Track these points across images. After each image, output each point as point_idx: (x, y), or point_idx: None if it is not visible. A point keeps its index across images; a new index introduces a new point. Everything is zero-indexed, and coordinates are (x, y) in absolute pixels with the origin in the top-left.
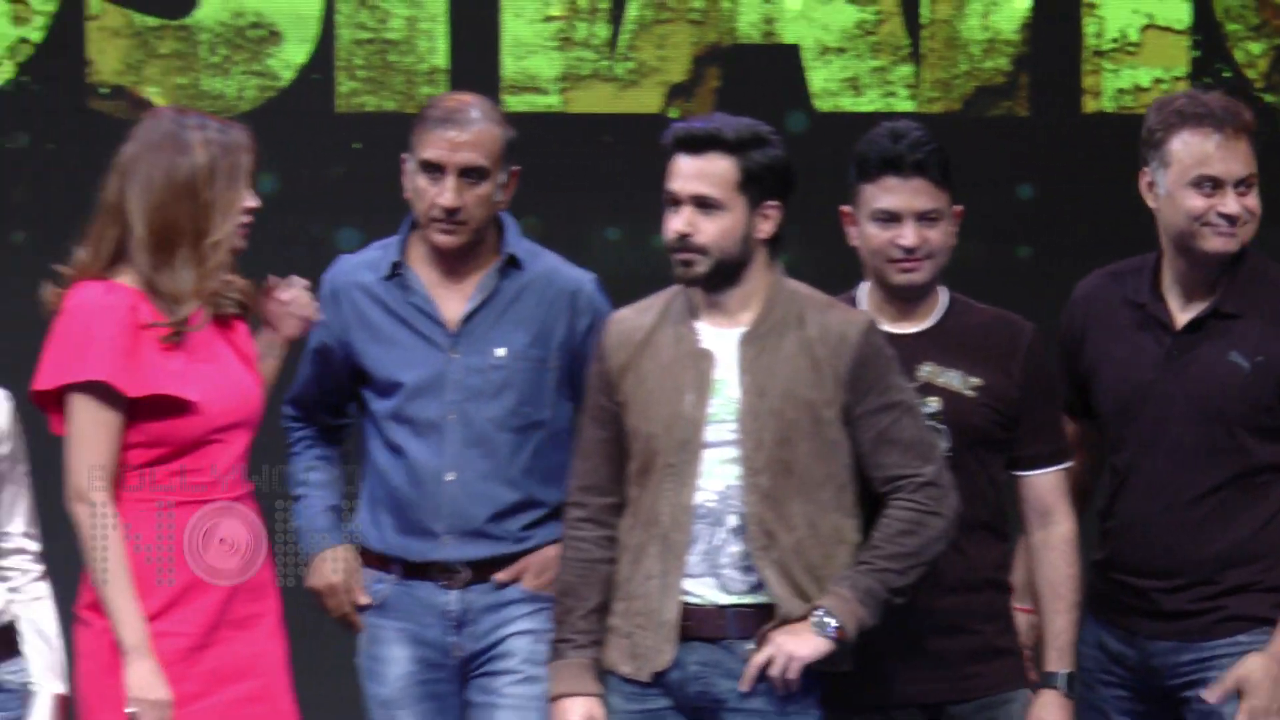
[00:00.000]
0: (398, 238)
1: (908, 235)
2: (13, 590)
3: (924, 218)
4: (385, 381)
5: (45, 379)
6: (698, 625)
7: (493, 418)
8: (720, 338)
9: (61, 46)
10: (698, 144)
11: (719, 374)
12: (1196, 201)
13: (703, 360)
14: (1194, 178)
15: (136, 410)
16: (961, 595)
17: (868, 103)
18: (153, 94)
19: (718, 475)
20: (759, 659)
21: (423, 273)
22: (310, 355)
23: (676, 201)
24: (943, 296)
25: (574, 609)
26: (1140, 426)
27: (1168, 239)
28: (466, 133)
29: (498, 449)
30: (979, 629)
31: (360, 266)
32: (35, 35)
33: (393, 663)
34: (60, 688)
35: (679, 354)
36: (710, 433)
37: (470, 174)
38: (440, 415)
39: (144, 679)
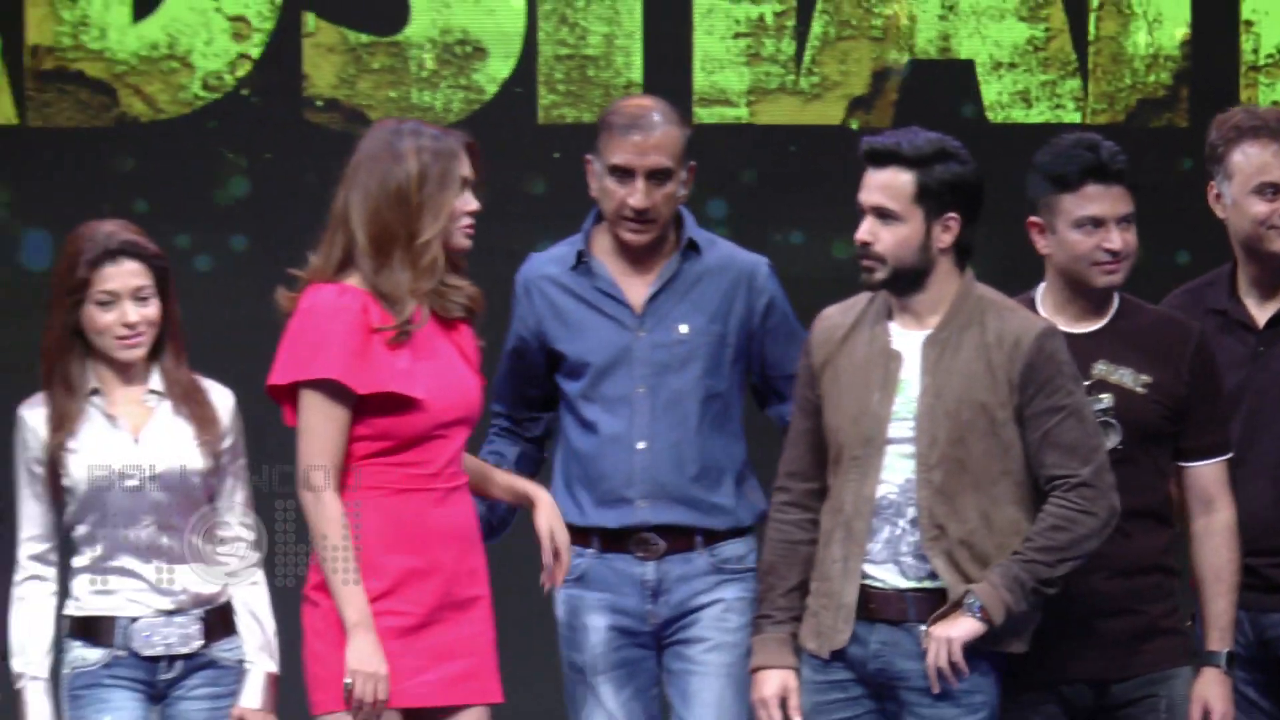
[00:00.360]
0: (581, 233)
1: (1114, 239)
2: (230, 575)
3: (1123, 221)
4: (576, 362)
5: (280, 374)
6: (880, 608)
7: (678, 389)
8: (908, 339)
9: (279, 62)
10: (879, 158)
11: (905, 374)
12: (1260, 207)
13: (891, 360)
14: (1256, 185)
15: (365, 406)
16: (1128, 579)
17: (1037, 114)
18: (365, 107)
19: (899, 469)
20: (929, 658)
21: (607, 262)
22: (508, 354)
23: (863, 211)
24: (1115, 298)
25: (775, 586)
26: (1239, 422)
27: (1238, 245)
28: (652, 137)
29: (683, 418)
30: (1144, 610)
31: (548, 261)
32: (255, 51)
33: (592, 631)
34: (271, 666)
35: (871, 353)
36: (893, 429)
37: (656, 175)
38: (629, 389)
39: (363, 652)
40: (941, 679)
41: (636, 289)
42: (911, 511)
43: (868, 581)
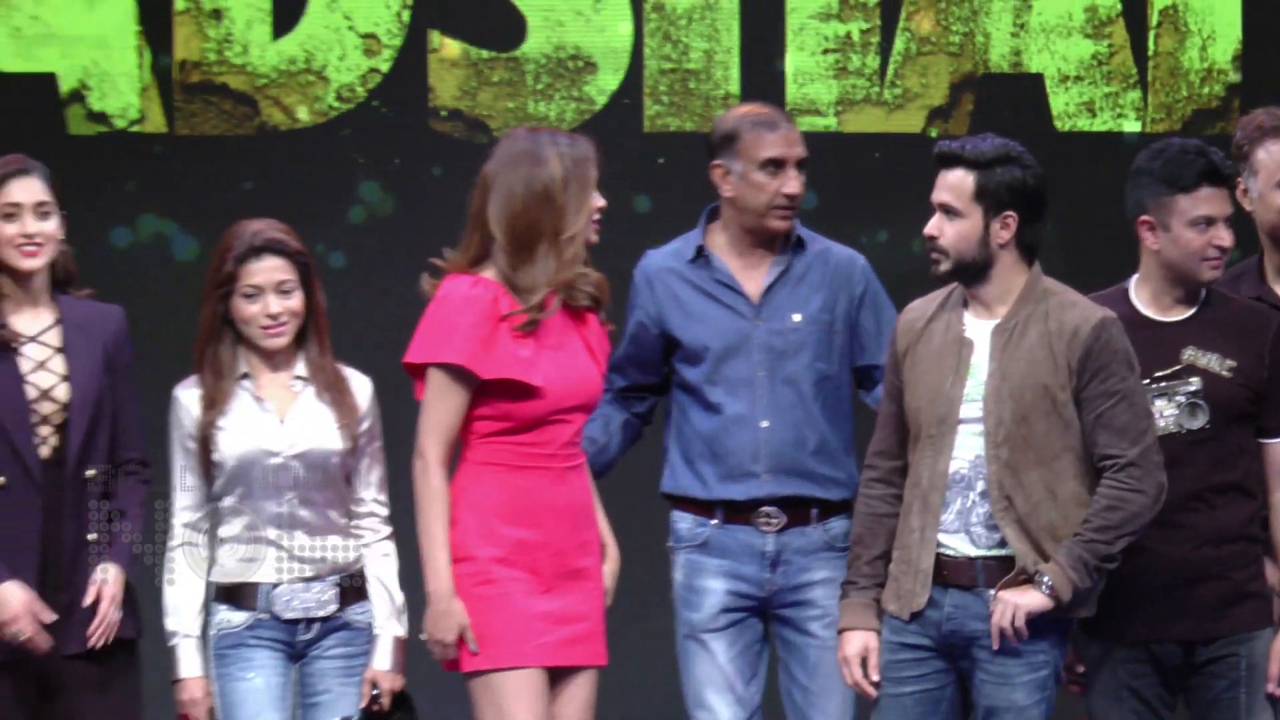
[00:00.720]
0: (697, 230)
1: (1225, 237)
2: (364, 546)
3: (1228, 220)
4: (695, 348)
5: (415, 354)
6: (952, 574)
7: (794, 373)
8: (980, 328)
9: (407, 75)
10: (947, 160)
11: (976, 360)
12: None
13: (964, 347)
14: (1279, 180)
15: (488, 389)
16: (1216, 547)
17: (1101, 124)
18: (485, 116)
19: (969, 447)
20: (995, 618)
21: (724, 256)
22: (628, 339)
23: (934, 209)
24: (1203, 290)
25: (861, 555)
26: None
27: (1265, 236)
28: (794, 131)
29: (800, 399)
30: (1230, 576)
31: (667, 255)
32: (384, 66)
33: (709, 594)
34: (400, 631)
35: (946, 341)
36: (964, 410)
37: (801, 165)
38: (750, 373)
39: (439, 620)
40: (1002, 638)
41: (752, 281)
42: (981, 485)
43: (942, 550)
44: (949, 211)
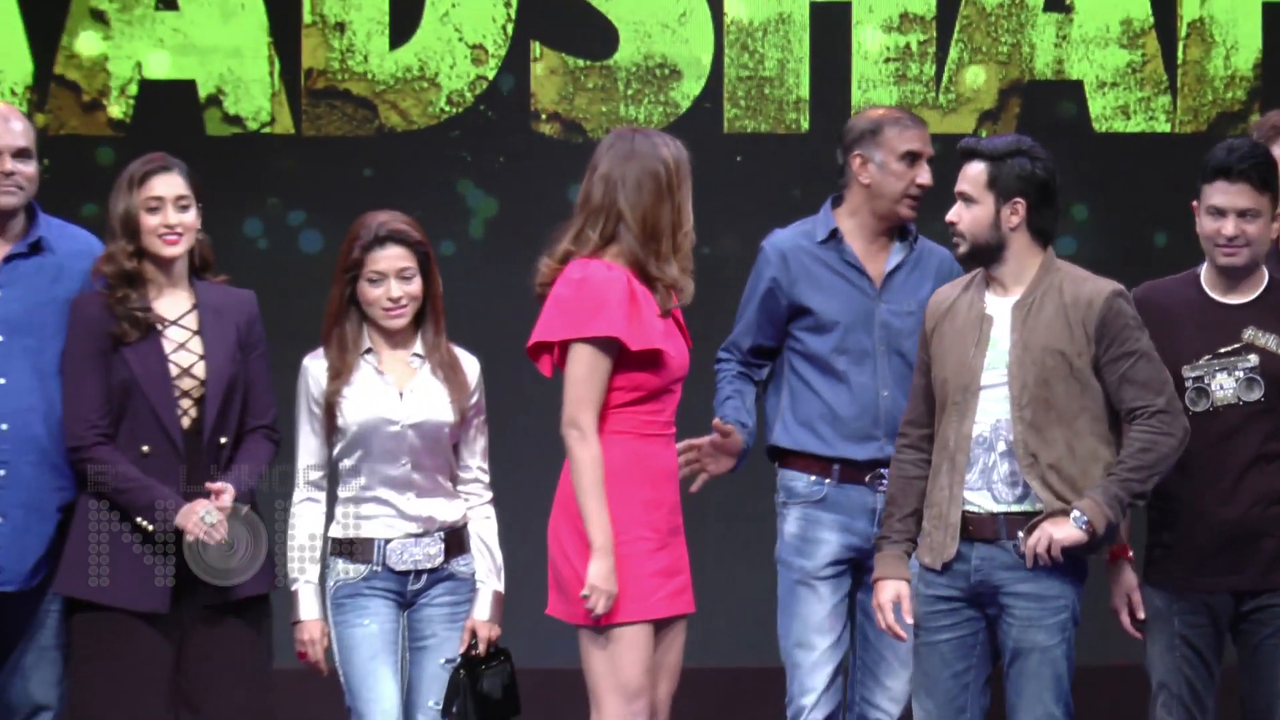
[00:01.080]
0: (824, 215)
1: (1229, 226)
2: (469, 508)
3: (1245, 215)
4: (825, 319)
5: (560, 331)
6: (977, 529)
7: (907, 350)
8: (999, 305)
9: (510, 82)
10: (966, 155)
11: (995, 333)
12: None
13: (985, 323)
14: None
15: (626, 361)
16: (1267, 506)
17: (1134, 125)
18: (581, 119)
19: (990, 412)
20: (1030, 541)
21: (851, 240)
22: (758, 301)
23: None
24: (1265, 276)
25: (894, 514)
26: None
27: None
28: (928, 132)
29: (909, 374)
30: None
31: (796, 234)
32: (490, 73)
33: (823, 544)
34: (499, 587)
35: (969, 317)
36: (985, 378)
37: (931, 162)
38: (872, 347)
39: (602, 572)
40: (1031, 577)
41: (875, 264)
42: (1002, 446)
43: (967, 507)
44: (966, 199)
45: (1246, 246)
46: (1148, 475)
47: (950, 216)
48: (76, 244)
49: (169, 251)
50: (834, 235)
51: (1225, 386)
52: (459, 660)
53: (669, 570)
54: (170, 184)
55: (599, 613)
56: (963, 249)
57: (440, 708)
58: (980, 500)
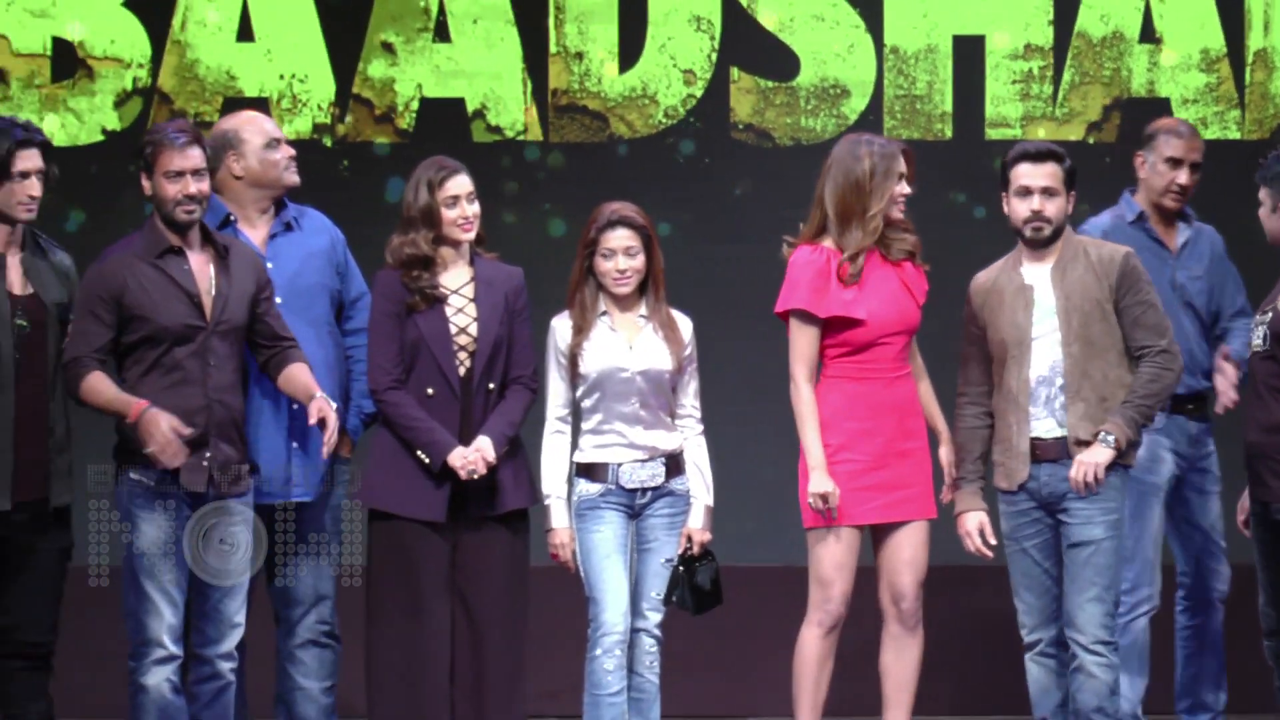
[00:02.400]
0: (1128, 202)
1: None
2: (684, 439)
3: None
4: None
5: (780, 304)
6: (1043, 452)
7: (1199, 308)
8: (1035, 273)
9: (714, 99)
10: (1041, 157)
11: (1037, 296)
12: None
13: (1027, 290)
14: None
15: (830, 325)
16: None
17: (1210, 134)
18: (770, 129)
19: (1042, 358)
20: (1075, 475)
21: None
22: None
23: (1027, 190)
24: None
25: (965, 459)
26: None
27: None
28: (1196, 140)
29: (1196, 329)
30: None
31: (1113, 218)
32: (698, 92)
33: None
34: (709, 501)
35: (1013, 288)
36: (1034, 331)
37: (1195, 167)
38: (1173, 308)
39: (819, 482)
40: (1086, 489)
41: (1169, 239)
42: (1060, 381)
43: (1034, 434)
44: (1050, 193)
45: None
46: (1155, 402)
47: (1036, 207)
48: (314, 221)
49: (466, 237)
50: (1141, 218)
51: None
52: (677, 560)
53: (889, 485)
54: (461, 183)
55: (819, 516)
56: (1047, 232)
57: (661, 597)
58: (1046, 428)
